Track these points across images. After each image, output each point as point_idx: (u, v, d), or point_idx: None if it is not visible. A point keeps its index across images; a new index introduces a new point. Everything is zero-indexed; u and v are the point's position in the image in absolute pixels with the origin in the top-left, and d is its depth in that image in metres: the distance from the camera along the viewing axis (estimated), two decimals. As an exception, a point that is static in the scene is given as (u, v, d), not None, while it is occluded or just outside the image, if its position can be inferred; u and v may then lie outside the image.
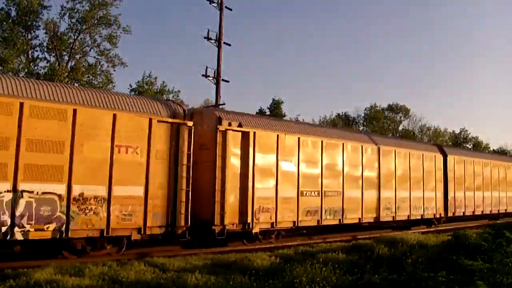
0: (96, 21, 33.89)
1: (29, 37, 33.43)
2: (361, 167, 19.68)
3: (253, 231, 15.55)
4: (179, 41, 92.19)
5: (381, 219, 20.47)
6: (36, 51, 34.03)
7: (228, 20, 48.59)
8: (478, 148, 63.19)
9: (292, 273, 8.95)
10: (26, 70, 32.51)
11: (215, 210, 14.42)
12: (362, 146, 19.93)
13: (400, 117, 63.98)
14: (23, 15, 32.41)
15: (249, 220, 15.30)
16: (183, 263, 11.04)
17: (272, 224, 16.07)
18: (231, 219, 14.89)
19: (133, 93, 35.30)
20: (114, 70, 35.44)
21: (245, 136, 15.56)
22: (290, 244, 15.71)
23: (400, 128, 63.40)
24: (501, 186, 30.45)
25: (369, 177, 20.05)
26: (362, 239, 16.81)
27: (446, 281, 7.71)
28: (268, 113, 45.49)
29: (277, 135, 16.55)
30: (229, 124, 15.19)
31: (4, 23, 31.83)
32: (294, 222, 16.75)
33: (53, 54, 34.02)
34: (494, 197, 29.51)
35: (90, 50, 34.84)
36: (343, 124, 56.73)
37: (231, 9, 26.65)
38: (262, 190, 15.72)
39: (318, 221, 17.52)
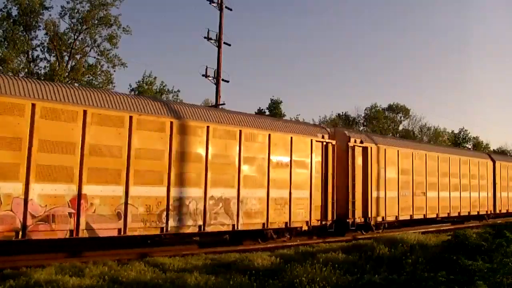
0: (96, 21, 33.91)
1: (29, 37, 33.46)
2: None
3: (371, 223, 19.65)
4: (179, 41, 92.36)
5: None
6: (36, 51, 34.10)
7: (228, 20, 48.69)
8: (478, 148, 63.11)
9: (292, 273, 8.95)
10: (26, 70, 32.53)
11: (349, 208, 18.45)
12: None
13: (400, 117, 64.05)
14: (24, 15, 32.41)
15: (369, 215, 19.30)
16: (183, 263, 11.05)
17: (383, 217, 20.15)
18: (358, 214, 18.88)
19: (133, 92, 35.36)
20: (114, 71, 35.51)
21: (365, 150, 19.53)
22: (290, 244, 15.72)
23: (400, 128, 63.47)
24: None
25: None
26: (362, 239, 16.81)
27: (446, 281, 7.70)
28: (267, 113, 45.48)
29: (398, 150, 21.14)
30: (355, 141, 19.09)
31: (4, 23, 31.83)
32: (395, 217, 20.96)
33: (53, 54, 34.02)
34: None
35: (90, 50, 34.90)
36: (343, 124, 56.73)
37: (231, 9, 26.67)
38: (376, 192, 19.80)
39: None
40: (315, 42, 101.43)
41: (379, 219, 20.01)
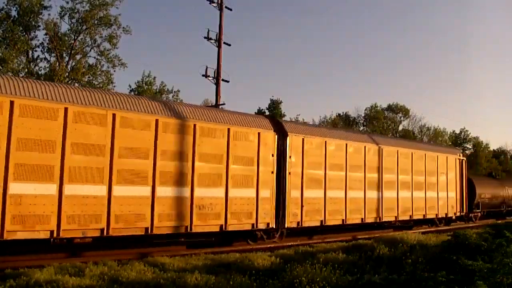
0: (96, 22, 33.89)
1: (29, 37, 33.44)
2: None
3: None
4: (179, 41, 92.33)
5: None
6: (36, 51, 34.09)
7: (228, 20, 48.70)
8: (478, 148, 63.06)
9: (292, 273, 8.94)
10: (26, 70, 32.51)
11: None
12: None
13: (400, 117, 64.05)
14: (23, 15, 32.40)
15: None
16: (183, 263, 11.05)
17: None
18: None
19: (132, 93, 35.32)
20: (114, 71, 35.49)
21: None
22: (290, 244, 15.73)
23: (400, 128, 63.45)
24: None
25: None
26: (362, 239, 16.81)
27: (446, 281, 7.69)
28: (267, 113, 45.45)
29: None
30: None
31: (4, 23, 31.82)
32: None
33: (53, 54, 34.01)
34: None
35: (90, 51, 34.87)
36: (343, 124, 56.67)
37: (231, 9, 26.67)
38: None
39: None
40: (315, 42, 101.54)
41: None
